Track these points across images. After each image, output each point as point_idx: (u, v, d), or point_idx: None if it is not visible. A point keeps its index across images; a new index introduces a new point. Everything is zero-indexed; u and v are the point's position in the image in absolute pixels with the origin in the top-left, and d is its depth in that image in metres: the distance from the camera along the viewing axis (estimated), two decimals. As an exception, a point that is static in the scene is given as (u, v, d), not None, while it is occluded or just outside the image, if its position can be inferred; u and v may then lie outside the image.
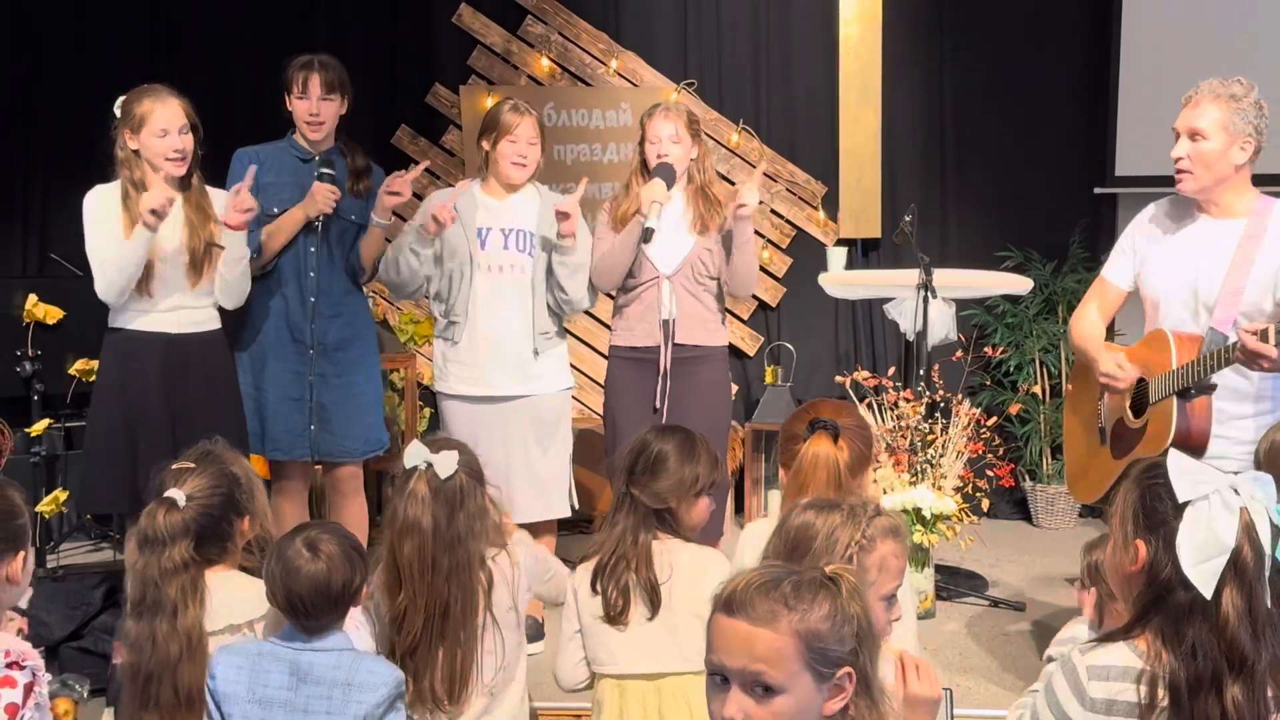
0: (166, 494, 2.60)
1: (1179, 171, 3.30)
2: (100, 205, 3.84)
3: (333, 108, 4.11)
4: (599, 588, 2.75)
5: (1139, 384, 3.35)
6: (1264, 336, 2.92)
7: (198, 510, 2.62)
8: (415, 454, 2.69)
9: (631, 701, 2.75)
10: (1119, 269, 3.57)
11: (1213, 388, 3.15)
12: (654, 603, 2.71)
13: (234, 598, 2.65)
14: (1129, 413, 3.38)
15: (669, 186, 4.07)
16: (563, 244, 4.05)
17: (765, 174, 6.05)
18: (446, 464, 2.67)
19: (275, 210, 4.09)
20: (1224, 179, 3.27)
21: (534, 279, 4.09)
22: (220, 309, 3.98)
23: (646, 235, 4.00)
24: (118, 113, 3.84)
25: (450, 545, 2.65)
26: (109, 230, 3.76)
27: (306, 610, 2.43)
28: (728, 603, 1.69)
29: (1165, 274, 3.39)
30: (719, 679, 1.68)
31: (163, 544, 2.57)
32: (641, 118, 4.22)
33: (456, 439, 2.86)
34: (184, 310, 3.87)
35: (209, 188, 3.95)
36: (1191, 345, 3.21)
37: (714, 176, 4.32)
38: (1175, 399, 3.17)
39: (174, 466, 2.68)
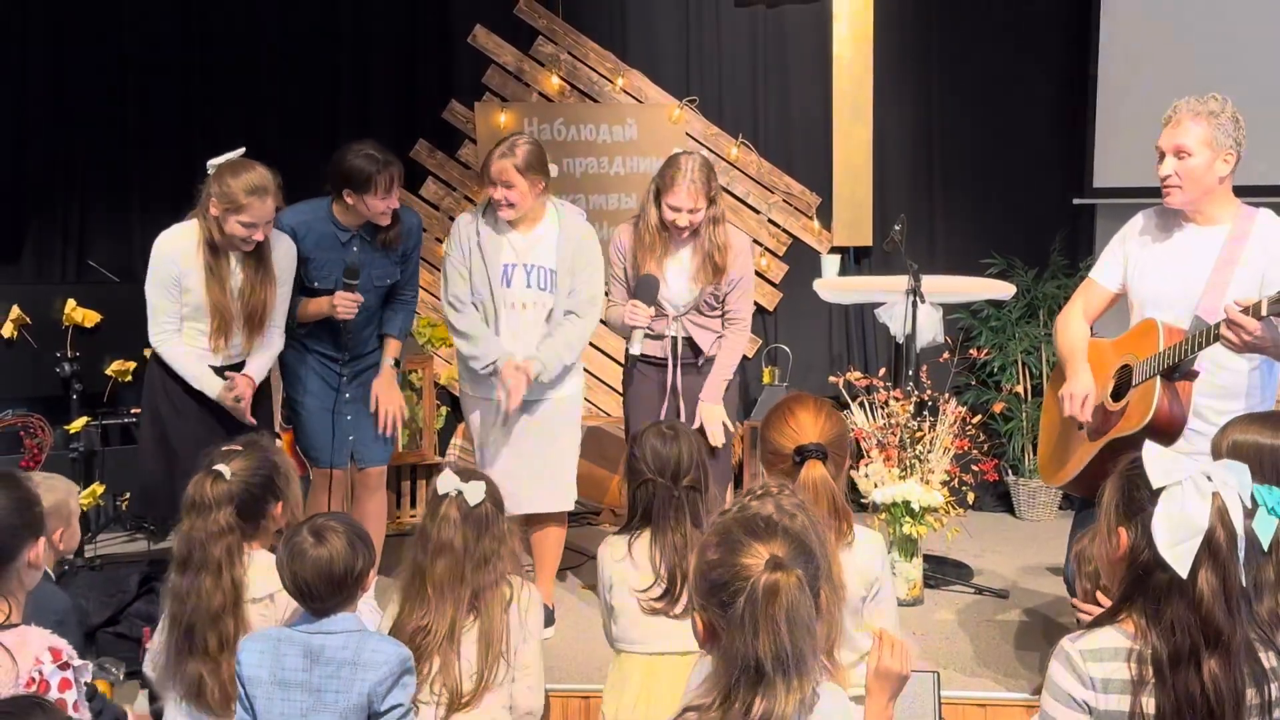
0: (215, 467, 2.75)
1: (1167, 187, 3.27)
2: (163, 257, 3.75)
3: None
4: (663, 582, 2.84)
5: (1121, 370, 3.30)
6: (1255, 311, 2.88)
7: (240, 484, 2.75)
8: (447, 482, 2.77)
9: (661, 676, 2.79)
10: (1108, 271, 3.51)
11: (1195, 374, 3.11)
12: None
13: (258, 575, 2.74)
14: (1109, 399, 3.33)
15: (650, 303, 4.05)
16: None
17: (763, 185, 6.05)
18: (475, 492, 2.75)
19: (315, 285, 4.02)
20: (1210, 191, 3.26)
21: (554, 312, 4.04)
22: None
23: (630, 360, 4.18)
24: (211, 170, 3.68)
25: (478, 564, 2.73)
26: (164, 290, 3.75)
27: (313, 593, 2.47)
28: None
29: (1154, 278, 3.37)
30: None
31: (208, 509, 2.71)
32: (662, 170, 4.03)
33: (481, 471, 2.91)
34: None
35: (275, 231, 3.83)
36: (1178, 335, 3.15)
37: (722, 226, 4.12)
38: (1159, 379, 3.12)
39: (223, 448, 2.81)
